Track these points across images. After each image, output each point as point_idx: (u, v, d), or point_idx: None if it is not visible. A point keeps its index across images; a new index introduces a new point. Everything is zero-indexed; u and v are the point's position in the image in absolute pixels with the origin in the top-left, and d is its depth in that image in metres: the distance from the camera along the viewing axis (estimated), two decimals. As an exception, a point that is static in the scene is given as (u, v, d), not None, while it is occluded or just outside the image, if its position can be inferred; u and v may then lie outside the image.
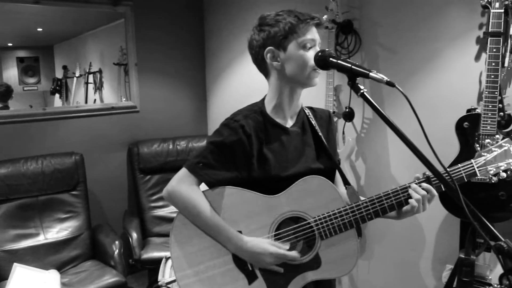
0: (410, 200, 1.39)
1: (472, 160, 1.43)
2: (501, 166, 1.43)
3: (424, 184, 1.39)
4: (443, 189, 1.39)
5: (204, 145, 1.47)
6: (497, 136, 1.57)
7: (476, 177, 1.45)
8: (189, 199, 1.43)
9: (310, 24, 1.43)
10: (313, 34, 1.44)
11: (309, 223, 1.44)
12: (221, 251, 1.45)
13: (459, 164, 1.43)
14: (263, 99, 1.55)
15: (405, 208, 1.42)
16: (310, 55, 1.42)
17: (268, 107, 1.51)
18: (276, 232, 1.45)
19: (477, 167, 1.42)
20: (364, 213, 1.42)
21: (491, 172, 1.42)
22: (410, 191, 1.39)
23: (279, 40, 1.42)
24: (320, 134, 1.57)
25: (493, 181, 1.47)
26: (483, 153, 1.45)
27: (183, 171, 1.46)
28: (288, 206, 1.44)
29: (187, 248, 1.46)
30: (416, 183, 1.41)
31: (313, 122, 1.59)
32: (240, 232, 1.44)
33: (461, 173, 1.41)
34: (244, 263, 1.45)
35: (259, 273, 1.45)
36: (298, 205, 1.45)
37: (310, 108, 1.65)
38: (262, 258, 1.41)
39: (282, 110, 1.51)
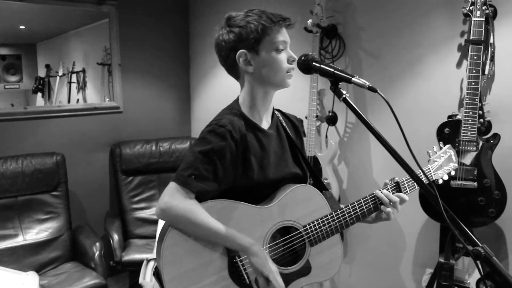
0: (382, 207, 1.50)
1: (429, 166, 1.62)
2: (447, 170, 1.63)
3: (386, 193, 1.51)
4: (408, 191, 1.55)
5: (192, 155, 1.37)
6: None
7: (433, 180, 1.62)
8: (190, 210, 1.33)
9: (282, 26, 1.41)
10: (285, 36, 1.42)
11: (300, 232, 1.46)
12: (217, 268, 1.39)
13: (420, 170, 1.51)
14: (237, 101, 1.51)
15: (383, 216, 1.52)
16: (283, 57, 1.41)
17: (244, 110, 1.48)
18: (270, 244, 1.44)
19: (433, 172, 1.61)
20: (348, 218, 1.49)
21: (440, 175, 1.62)
22: (381, 195, 1.49)
23: (252, 43, 1.39)
24: (292, 137, 1.58)
25: (439, 183, 1.60)
26: (435, 159, 1.64)
27: (174, 185, 1.35)
28: (279, 216, 1.45)
29: (181, 268, 1.36)
30: (387, 189, 1.52)
31: (285, 125, 1.59)
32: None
33: (423, 177, 1.54)
34: (241, 277, 1.40)
35: (256, 287, 1.41)
36: (289, 214, 1.46)
37: (280, 111, 1.64)
38: (266, 264, 1.38)
39: (257, 112, 1.50)
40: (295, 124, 1.66)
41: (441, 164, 1.63)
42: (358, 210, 1.49)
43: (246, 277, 1.40)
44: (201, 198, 1.38)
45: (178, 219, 1.35)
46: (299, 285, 1.48)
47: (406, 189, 1.53)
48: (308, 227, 1.46)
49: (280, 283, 1.38)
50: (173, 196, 1.34)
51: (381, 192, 1.50)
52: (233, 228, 1.39)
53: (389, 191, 1.51)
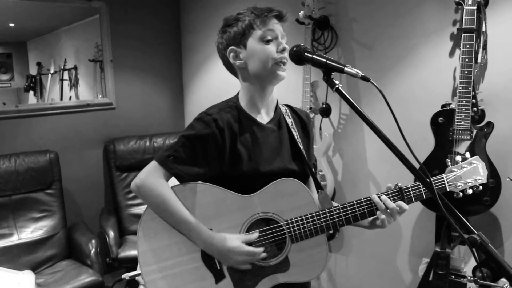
0: (378, 213, 1.41)
1: (443, 175, 1.44)
2: (469, 182, 1.45)
3: (386, 200, 1.41)
4: (413, 200, 1.42)
5: (176, 139, 1.43)
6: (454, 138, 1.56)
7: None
8: (158, 192, 1.38)
9: (269, 17, 1.41)
10: (273, 26, 1.42)
11: (280, 226, 1.42)
12: (190, 248, 1.40)
13: (431, 178, 1.39)
14: (237, 95, 1.53)
15: (377, 222, 1.44)
16: (271, 47, 1.41)
17: (242, 103, 1.49)
18: (247, 233, 1.42)
19: (447, 182, 1.43)
20: (336, 220, 1.41)
21: (459, 188, 1.44)
22: (377, 200, 1.40)
23: (239, 38, 1.43)
24: (294, 134, 1.54)
25: (459, 196, 1.47)
26: (453, 169, 1.46)
27: (153, 163, 1.41)
28: (261, 207, 1.42)
29: (155, 243, 1.40)
30: (387, 195, 1.42)
31: (289, 121, 1.56)
32: (211, 230, 1.40)
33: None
34: (212, 262, 1.41)
35: (227, 273, 1.41)
36: (271, 206, 1.42)
37: (288, 106, 1.62)
38: (232, 256, 1.37)
39: (255, 106, 1.49)
40: (304, 120, 1.62)
41: (461, 175, 1.45)
42: (349, 212, 1.41)
43: (216, 263, 1.42)
44: (179, 181, 1.41)
45: (147, 198, 1.41)
46: (274, 280, 1.43)
47: (411, 196, 1.41)
48: (290, 222, 1.42)
49: (252, 252, 1.39)
50: (149, 174, 1.41)
51: (379, 197, 1.40)
52: (210, 212, 1.41)
53: (390, 197, 1.41)
